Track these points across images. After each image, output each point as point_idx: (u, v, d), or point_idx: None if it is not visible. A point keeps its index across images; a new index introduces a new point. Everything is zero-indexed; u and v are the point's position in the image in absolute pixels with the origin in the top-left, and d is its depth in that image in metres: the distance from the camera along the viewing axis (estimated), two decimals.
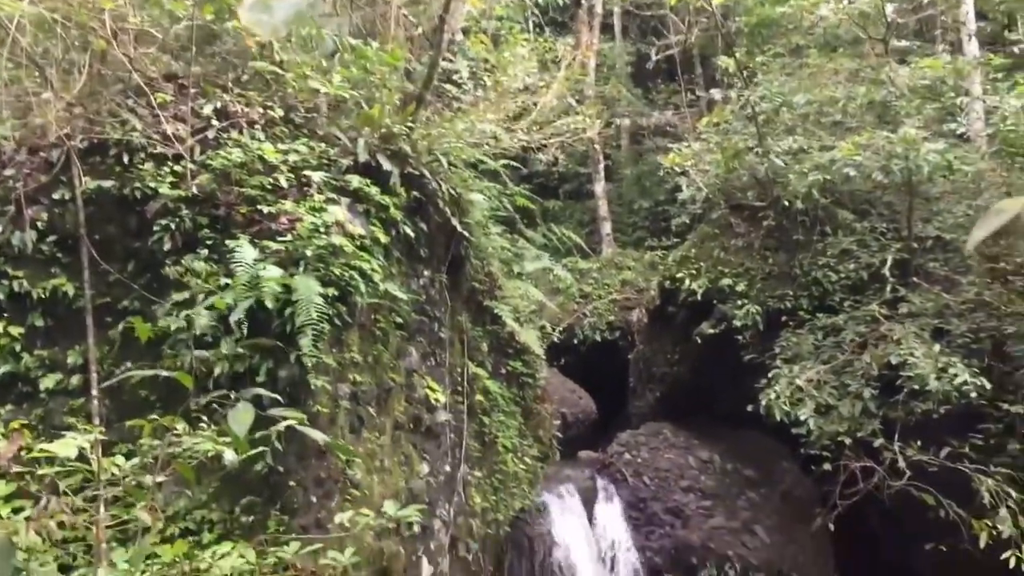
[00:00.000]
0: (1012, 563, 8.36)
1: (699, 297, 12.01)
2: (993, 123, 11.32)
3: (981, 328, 9.90)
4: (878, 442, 9.42)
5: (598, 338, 16.62)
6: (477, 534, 8.37)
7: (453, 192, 7.97)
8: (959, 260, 10.93)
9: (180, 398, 5.00)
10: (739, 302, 11.52)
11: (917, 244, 11.10)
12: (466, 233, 8.24)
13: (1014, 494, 8.67)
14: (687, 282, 12.19)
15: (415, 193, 7.39)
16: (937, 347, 9.38)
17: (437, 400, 7.60)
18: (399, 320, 7.15)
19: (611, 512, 11.37)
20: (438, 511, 7.55)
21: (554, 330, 15.33)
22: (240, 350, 5.22)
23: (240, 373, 5.45)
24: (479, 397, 8.66)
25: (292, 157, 6.57)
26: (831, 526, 10.09)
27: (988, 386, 9.06)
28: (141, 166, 6.18)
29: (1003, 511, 8.56)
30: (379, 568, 6.46)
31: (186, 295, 5.57)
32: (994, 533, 8.54)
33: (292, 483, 5.73)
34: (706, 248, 12.57)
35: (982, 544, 8.54)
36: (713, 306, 11.92)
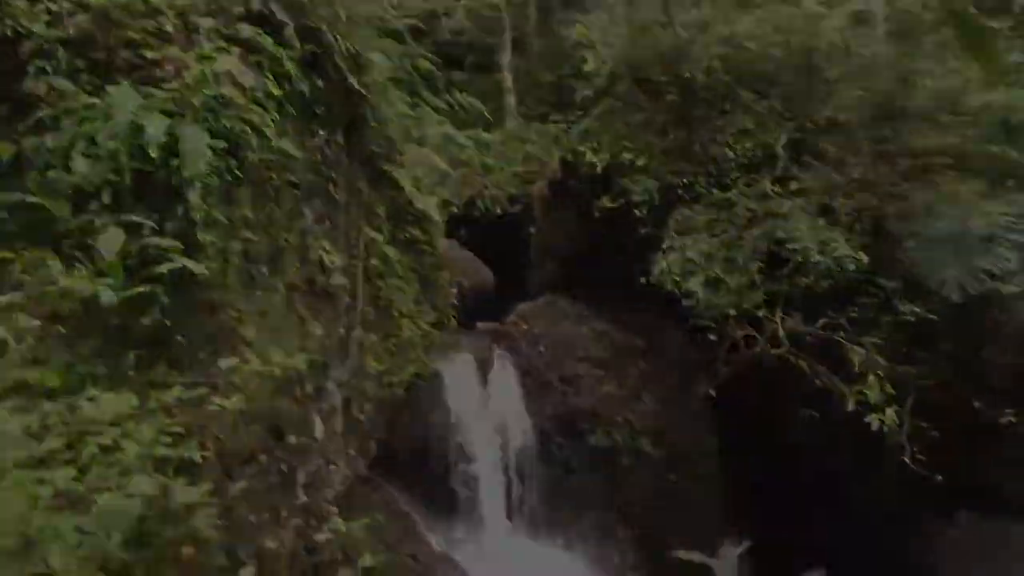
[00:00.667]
0: (875, 425, 8.98)
1: (599, 171, 12.06)
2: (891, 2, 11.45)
3: (864, 207, 10.28)
4: (762, 313, 9.84)
5: (499, 211, 16.61)
6: (371, 397, 8.46)
7: (352, 49, 7.67)
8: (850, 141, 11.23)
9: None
10: (638, 177, 11.63)
11: (812, 124, 11.32)
12: (365, 92, 8.00)
13: (883, 362, 9.23)
14: (588, 156, 12.20)
15: (311, 47, 7.09)
16: (821, 222, 9.74)
17: (332, 262, 7.51)
18: (293, 179, 6.94)
19: (505, 380, 11.61)
20: (332, 373, 7.58)
21: (455, 202, 15.24)
22: (114, 177, 4.95)
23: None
24: (375, 262, 8.60)
25: (179, 1, 6.19)
26: (713, 393, 10.60)
27: (867, 260, 9.50)
28: (13, 3, 5.72)
29: (871, 378, 9.13)
30: (271, 426, 6.48)
31: (50, 112, 5.23)
32: (861, 399, 9.14)
33: (180, 338, 5.61)
34: (608, 122, 12.54)
35: (849, 408, 9.14)
36: (613, 180, 12.00)
